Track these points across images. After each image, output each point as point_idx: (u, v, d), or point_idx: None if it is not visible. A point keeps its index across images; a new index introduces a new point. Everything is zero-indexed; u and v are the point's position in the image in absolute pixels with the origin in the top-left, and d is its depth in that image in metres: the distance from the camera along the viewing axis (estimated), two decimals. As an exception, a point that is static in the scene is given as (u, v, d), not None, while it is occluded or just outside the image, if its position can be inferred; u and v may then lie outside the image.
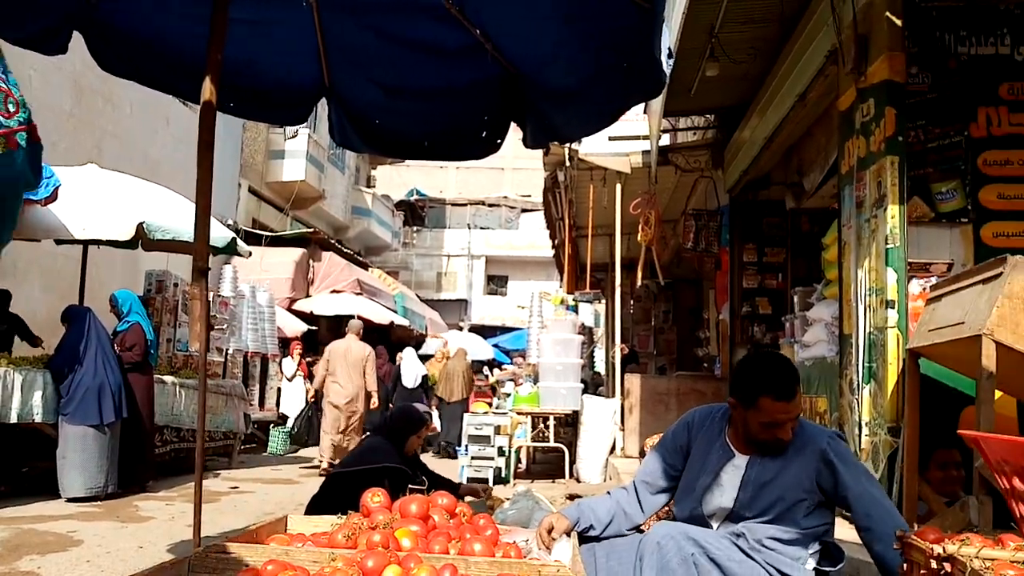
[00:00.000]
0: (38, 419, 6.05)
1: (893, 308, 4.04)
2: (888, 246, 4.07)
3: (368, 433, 7.52)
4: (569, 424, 8.87)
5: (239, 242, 8.25)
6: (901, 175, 4.09)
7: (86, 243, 7.81)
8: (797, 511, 2.30)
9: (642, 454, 4.10)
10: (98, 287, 8.53)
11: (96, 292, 8.22)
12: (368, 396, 8.93)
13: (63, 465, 6.08)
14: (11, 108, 1.05)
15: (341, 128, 4.03)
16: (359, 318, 16.13)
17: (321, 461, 8.82)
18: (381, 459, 3.82)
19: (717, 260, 8.64)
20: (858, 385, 4.26)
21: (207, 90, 2.79)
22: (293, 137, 17.30)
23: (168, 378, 7.65)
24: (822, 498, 2.33)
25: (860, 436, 4.19)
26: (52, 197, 6.25)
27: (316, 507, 3.75)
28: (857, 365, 4.28)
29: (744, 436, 2.40)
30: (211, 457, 8.85)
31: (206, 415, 3.46)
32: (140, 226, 6.97)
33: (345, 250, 18.78)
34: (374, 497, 2.10)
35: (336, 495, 3.66)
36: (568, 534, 2.30)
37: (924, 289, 3.98)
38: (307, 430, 12.17)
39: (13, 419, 5.86)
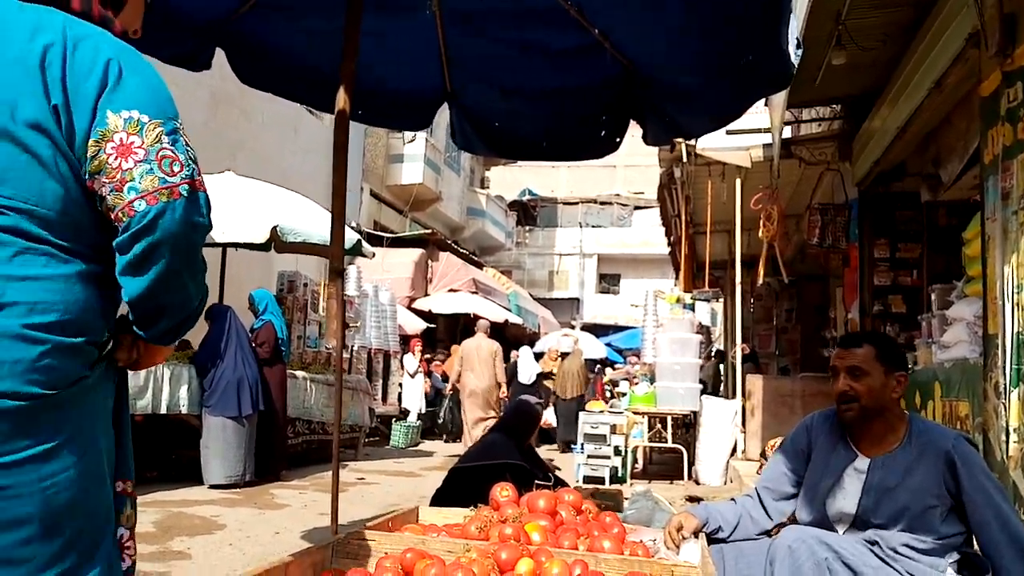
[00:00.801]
0: (184, 410, 6.53)
1: (1046, 306, 3.75)
2: (1040, 240, 3.78)
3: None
4: (687, 425, 8.71)
5: (363, 243, 8.59)
6: (1054, 164, 3.79)
7: (225, 246, 8.33)
8: (931, 518, 2.18)
9: (763, 457, 4.00)
10: (236, 287, 9.10)
11: (235, 292, 8.77)
12: (498, 386, 9.66)
13: (206, 454, 6.54)
14: (175, 168, 1.26)
15: (462, 131, 4.15)
16: (476, 316, 16.48)
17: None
18: (502, 454, 3.89)
19: (845, 256, 8.25)
20: (1005, 388, 3.97)
21: (341, 99, 2.94)
22: (411, 141, 17.83)
23: (299, 373, 8.07)
24: (954, 503, 2.22)
25: (1007, 443, 3.91)
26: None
27: (440, 499, 3.88)
28: (1004, 367, 3.99)
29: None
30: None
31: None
32: (274, 229, 7.37)
33: (461, 250, 19.20)
34: (503, 491, 2.16)
35: (459, 489, 3.77)
36: (696, 534, 2.28)
37: (1083, 286, 3.67)
38: (450, 420, 12.74)
39: (163, 410, 6.36)
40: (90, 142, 1.22)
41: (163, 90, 1.31)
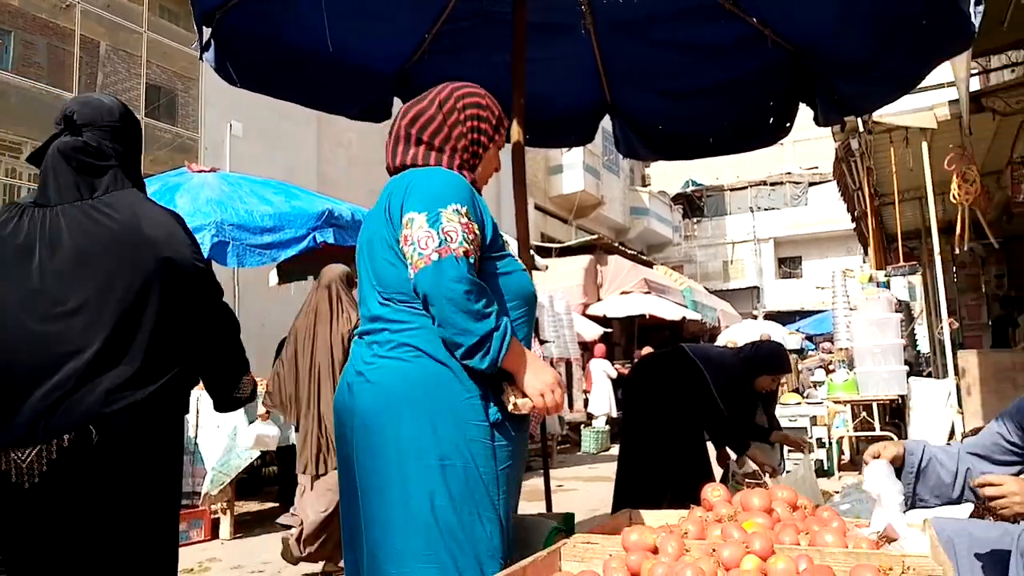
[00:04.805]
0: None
1: None
2: None
3: None
4: (896, 410, 8.17)
5: (536, 258, 8.84)
6: None
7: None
8: None
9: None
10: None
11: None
12: None
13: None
14: (429, 244, 1.79)
15: (626, 139, 4.21)
16: (651, 316, 16.33)
17: None
18: (720, 376, 3.65)
19: (1061, 210, 7.43)
20: None
21: (515, 132, 3.10)
22: (569, 150, 18.06)
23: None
24: None
25: None
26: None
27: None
28: None
29: None
30: (534, 457, 9.55)
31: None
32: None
33: (628, 251, 19.13)
34: (714, 491, 2.19)
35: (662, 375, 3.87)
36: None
37: None
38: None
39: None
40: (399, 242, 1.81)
41: (435, 189, 1.81)
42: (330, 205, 6.15)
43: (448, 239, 1.73)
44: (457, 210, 1.77)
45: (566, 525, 2.30)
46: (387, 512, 1.76)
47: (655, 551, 1.82)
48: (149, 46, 11.85)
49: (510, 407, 1.80)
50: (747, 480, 3.60)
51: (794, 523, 2.02)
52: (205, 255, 5.62)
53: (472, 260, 1.76)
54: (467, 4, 3.64)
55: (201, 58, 3.33)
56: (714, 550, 1.76)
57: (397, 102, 4.11)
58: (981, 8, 2.53)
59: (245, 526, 5.86)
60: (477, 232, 1.80)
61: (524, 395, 1.81)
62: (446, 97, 1.99)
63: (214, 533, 5.50)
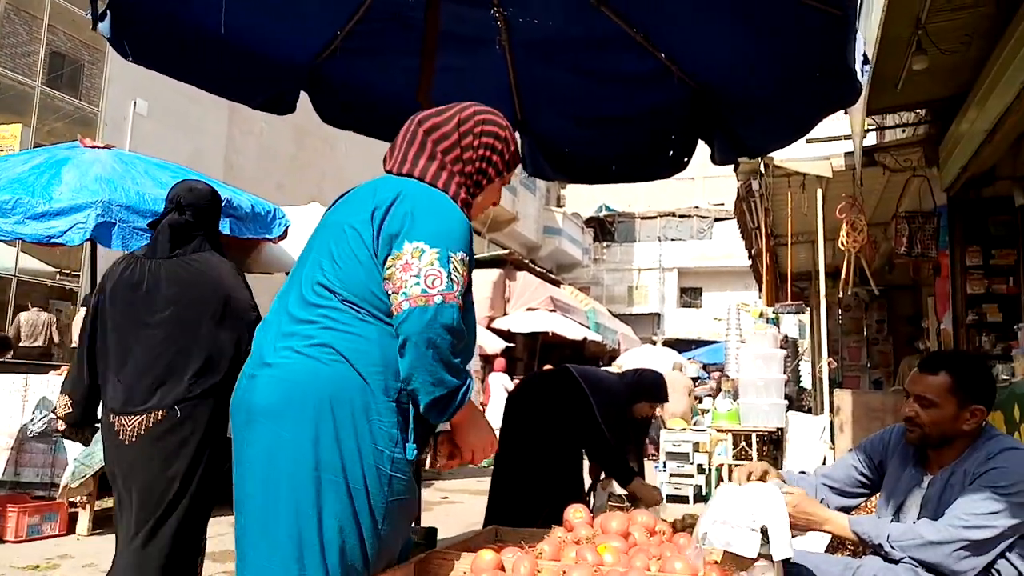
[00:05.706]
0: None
1: None
2: None
3: None
4: (774, 442, 8.51)
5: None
6: None
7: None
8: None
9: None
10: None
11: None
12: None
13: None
14: (436, 284, 1.64)
15: (533, 159, 4.25)
16: (554, 334, 16.51)
17: None
18: (604, 401, 3.72)
19: (936, 265, 7.95)
20: (1112, 403, 3.77)
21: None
22: (486, 163, 18.13)
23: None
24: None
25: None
26: (283, 235, 7.02)
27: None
28: (1110, 380, 3.80)
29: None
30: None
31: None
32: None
33: (538, 268, 19.33)
34: (576, 513, 2.21)
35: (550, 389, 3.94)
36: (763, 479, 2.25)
37: None
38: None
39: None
40: (388, 259, 1.68)
41: (448, 228, 1.72)
42: (229, 194, 5.95)
43: (454, 285, 1.66)
44: (464, 260, 1.72)
45: (427, 539, 2.27)
46: (266, 525, 1.64)
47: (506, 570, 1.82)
48: (55, 11, 11.23)
49: (439, 464, 1.84)
50: (610, 503, 3.66)
51: (649, 548, 2.05)
52: (88, 235, 5.27)
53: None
54: (382, 5, 3.59)
55: (94, 28, 3.16)
56: (564, 573, 1.77)
57: (304, 97, 4.02)
58: (868, 68, 2.69)
59: (106, 522, 5.54)
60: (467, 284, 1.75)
61: (452, 450, 1.82)
62: (467, 117, 1.90)
63: (71, 528, 5.19)
